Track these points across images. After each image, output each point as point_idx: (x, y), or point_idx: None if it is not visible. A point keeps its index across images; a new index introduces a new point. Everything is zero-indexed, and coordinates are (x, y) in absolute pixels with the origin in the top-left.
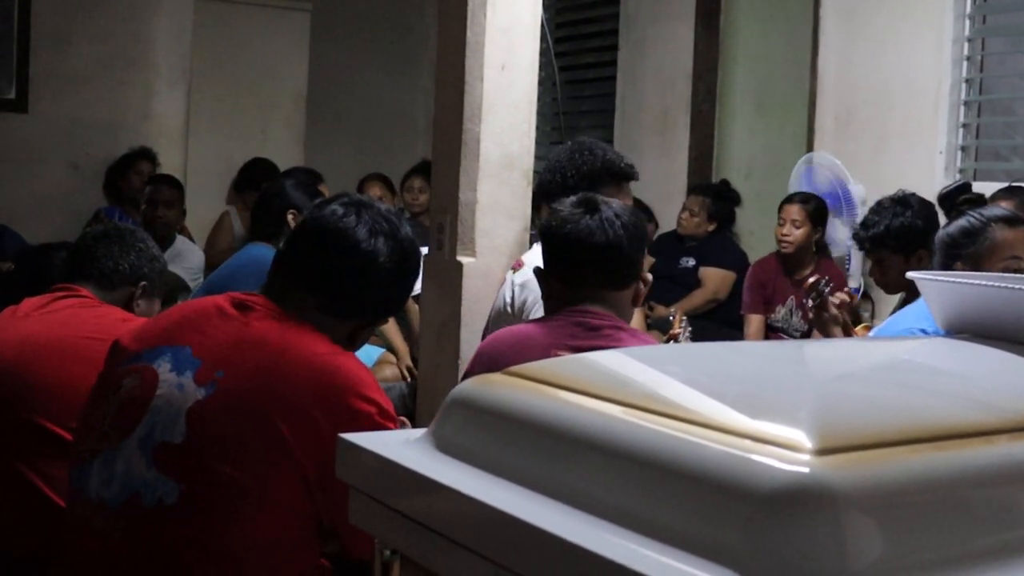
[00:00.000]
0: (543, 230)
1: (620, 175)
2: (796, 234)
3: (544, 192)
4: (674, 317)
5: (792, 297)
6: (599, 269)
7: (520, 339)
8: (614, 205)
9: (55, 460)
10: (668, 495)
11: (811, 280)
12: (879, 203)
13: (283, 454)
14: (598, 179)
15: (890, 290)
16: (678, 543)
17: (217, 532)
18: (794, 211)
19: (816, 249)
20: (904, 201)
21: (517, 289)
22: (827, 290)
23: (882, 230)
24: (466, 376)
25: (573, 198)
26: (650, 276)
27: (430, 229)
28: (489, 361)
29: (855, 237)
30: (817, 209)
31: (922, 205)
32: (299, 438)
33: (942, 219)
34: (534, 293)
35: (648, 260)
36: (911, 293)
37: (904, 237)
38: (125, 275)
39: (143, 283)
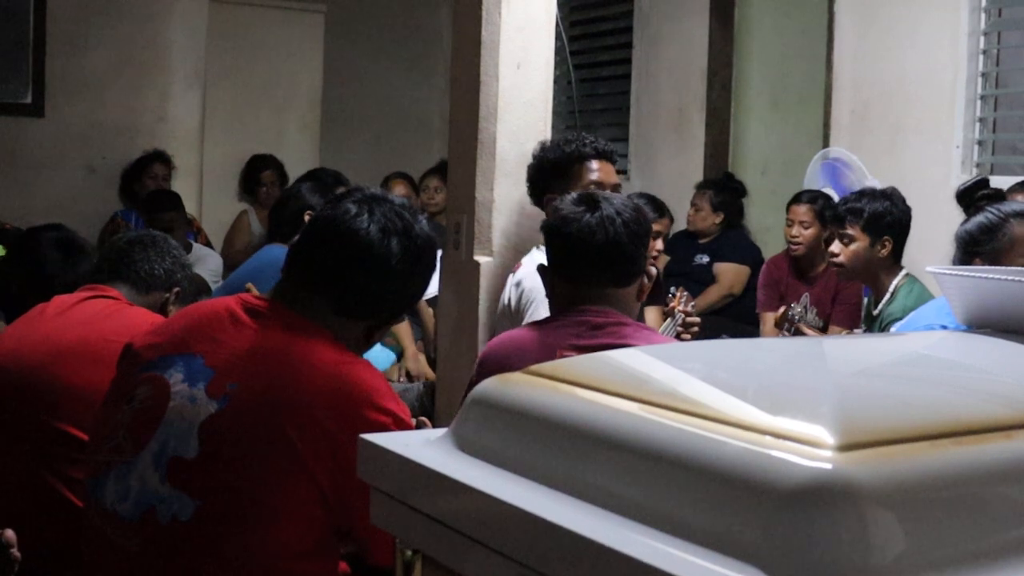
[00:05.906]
0: (545, 229)
1: (570, 163)
2: (805, 235)
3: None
4: (675, 294)
5: (807, 294)
6: (601, 268)
7: (524, 342)
8: (616, 202)
9: (78, 464)
10: (690, 492)
11: (782, 310)
12: (862, 190)
13: (297, 467)
14: (551, 180)
15: (845, 272)
16: (700, 540)
17: (233, 544)
18: (802, 211)
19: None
20: (888, 192)
21: (513, 289)
22: (797, 319)
23: (859, 204)
24: (471, 384)
25: (574, 195)
26: (654, 270)
27: (447, 228)
28: (494, 367)
29: (827, 212)
30: (825, 208)
31: (903, 202)
32: (313, 451)
33: (959, 215)
34: (529, 293)
35: (663, 259)
36: (877, 287)
37: (878, 218)
38: (160, 279)
39: (176, 288)
